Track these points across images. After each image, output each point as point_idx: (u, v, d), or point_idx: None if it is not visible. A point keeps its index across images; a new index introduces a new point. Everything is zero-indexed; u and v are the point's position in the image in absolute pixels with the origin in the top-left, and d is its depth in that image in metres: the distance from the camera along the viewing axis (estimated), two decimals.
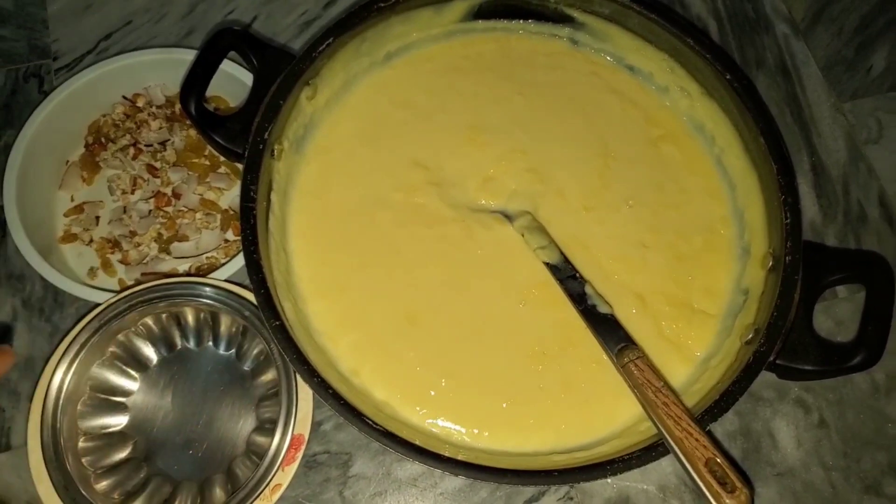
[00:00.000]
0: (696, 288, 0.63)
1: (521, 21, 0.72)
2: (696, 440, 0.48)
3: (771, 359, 0.52)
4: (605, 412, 0.58)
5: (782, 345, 0.53)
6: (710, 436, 0.48)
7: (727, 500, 0.45)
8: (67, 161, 0.74)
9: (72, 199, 0.73)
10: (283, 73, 0.60)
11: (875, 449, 0.65)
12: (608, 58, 0.71)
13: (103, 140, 0.74)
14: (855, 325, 0.68)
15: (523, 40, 0.72)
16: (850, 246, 0.72)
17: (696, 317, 0.62)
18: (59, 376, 0.56)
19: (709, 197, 0.66)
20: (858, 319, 0.55)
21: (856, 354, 0.52)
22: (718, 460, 0.46)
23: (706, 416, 0.51)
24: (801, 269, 0.54)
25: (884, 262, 0.55)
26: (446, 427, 0.57)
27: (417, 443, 0.51)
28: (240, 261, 0.65)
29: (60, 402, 0.56)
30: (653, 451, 0.50)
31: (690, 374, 0.59)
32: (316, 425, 0.65)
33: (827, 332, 0.69)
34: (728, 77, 0.61)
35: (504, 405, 0.58)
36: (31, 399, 0.58)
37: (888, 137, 0.79)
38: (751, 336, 0.55)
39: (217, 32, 0.62)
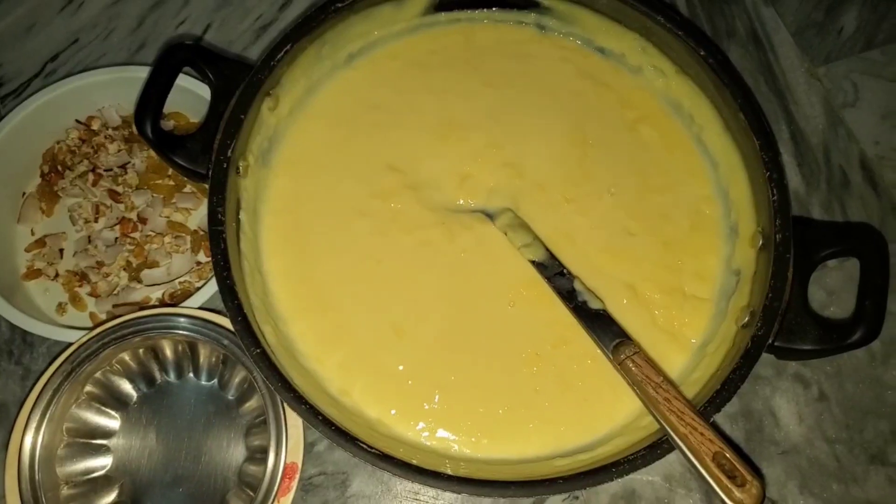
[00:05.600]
0: (687, 272, 0.61)
1: (486, 10, 0.69)
2: (702, 434, 0.47)
3: (769, 341, 0.51)
4: (605, 409, 0.56)
5: (779, 326, 0.51)
6: (715, 428, 0.47)
7: (738, 495, 0.44)
8: (24, 193, 0.71)
9: (32, 233, 0.70)
10: (241, 85, 0.57)
11: (876, 418, 0.65)
12: (577, 42, 0.69)
13: (60, 168, 0.70)
14: (846, 294, 0.67)
15: (489, 30, 0.70)
16: (835, 214, 0.71)
17: (688, 302, 0.60)
18: (34, 426, 0.53)
19: (691, 177, 0.64)
20: (850, 288, 0.53)
21: (855, 331, 0.51)
22: (727, 454, 0.45)
23: (709, 406, 0.50)
24: (792, 246, 0.53)
25: (877, 235, 0.54)
26: (444, 439, 0.56)
27: (415, 462, 0.49)
28: (214, 285, 0.62)
29: (37, 453, 0.53)
30: (657, 448, 0.49)
31: (687, 362, 0.58)
32: (309, 447, 0.63)
33: (819, 304, 0.68)
34: (702, 53, 0.59)
35: (501, 411, 0.57)
36: (5, 448, 0.55)
37: (864, 99, 0.78)
38: (747, 319, 0.54)
39: (168, 49, 0.58)
